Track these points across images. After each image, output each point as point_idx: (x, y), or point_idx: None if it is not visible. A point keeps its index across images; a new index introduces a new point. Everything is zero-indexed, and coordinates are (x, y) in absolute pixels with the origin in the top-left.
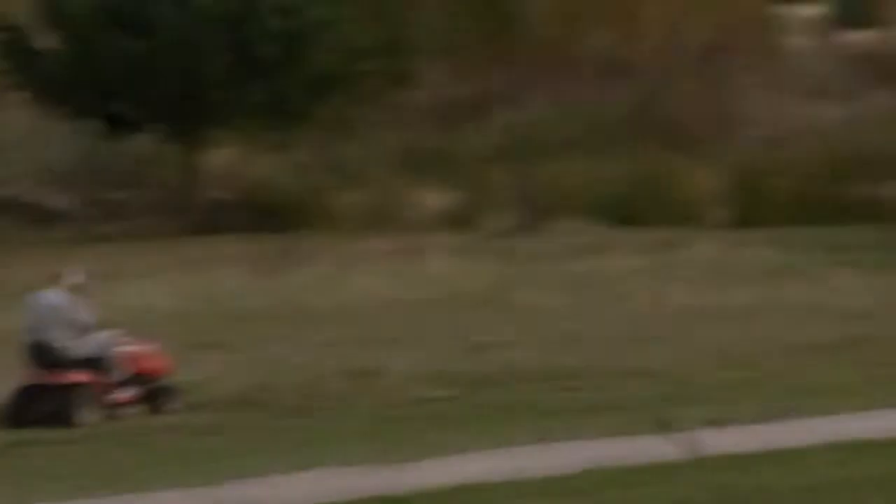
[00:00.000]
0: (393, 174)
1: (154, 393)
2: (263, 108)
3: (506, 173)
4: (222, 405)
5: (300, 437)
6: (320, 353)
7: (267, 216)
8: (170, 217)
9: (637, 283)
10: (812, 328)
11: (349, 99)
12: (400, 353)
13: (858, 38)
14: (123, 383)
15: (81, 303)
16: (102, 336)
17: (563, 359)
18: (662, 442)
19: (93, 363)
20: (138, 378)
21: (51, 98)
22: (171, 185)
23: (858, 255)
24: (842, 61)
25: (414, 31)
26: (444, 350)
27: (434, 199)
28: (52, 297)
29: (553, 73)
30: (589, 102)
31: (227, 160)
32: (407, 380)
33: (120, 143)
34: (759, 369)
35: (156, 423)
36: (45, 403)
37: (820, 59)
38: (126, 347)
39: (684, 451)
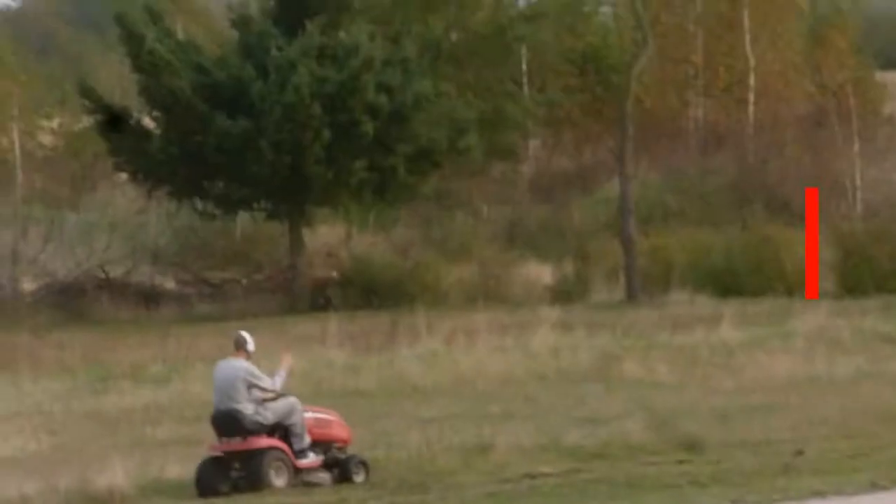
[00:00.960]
0: (498, 249)
1: (340, 462)
2: (367, 185)
3: (611, 245)
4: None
5: None
6: (430, 429)
7: (373, 294)
8: (275, 296)
9: (745, 355)
10: None
11: (453, 174)
12: (510, 428)
13: None
14: (308, 449)
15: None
16: (288, 402)
17: (675, 431)
18: None
19: (280, 429)
20: (321, 445)
21: (154, 177)
22: (275, 265)
23: None
24: None
25: (517, 104)
26: (555, 424)
27: (540, 272)
28: (235, 364)
29: (658, 144)
30: (693, 173)
31: (331, 238)
32: (518, 454)
33: (223, 222)
34: (867, 439)
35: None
36: (238, 470)
37: None
38: (309, 414)
39: None
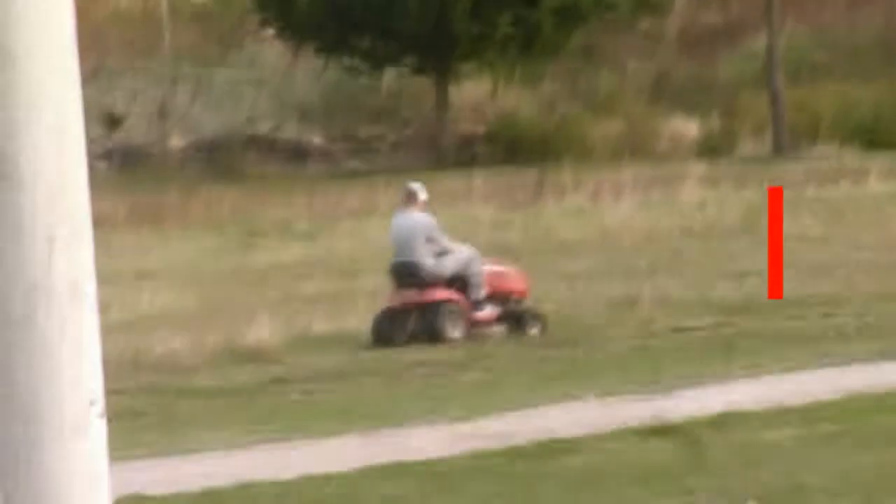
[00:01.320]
0: (644, 103)
1: (516, 315)
2: (512, 40)
3: (758, 99)
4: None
5: (562, 368)
6: (577, 284)
7: (518, 149)
8: (421, 152)
9: (893, 208)
10: None
11: (599, 28)
12: (656, 282)
13: None
14: (485, 302)
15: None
16: (465, 254)
17: (821, 285)
18: None
19: (457, 281)
20: (498, 298)
21: (300, 34)
22: (421, 120)
23: None
24: None
25: None
26: (701, 278)
27: (686, 127)
28: (415, 216)
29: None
30: (841, 27)
31: (477, 94)
32: (665, 308)
33: (369, 78)
34: None
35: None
36: (414, 322)
37: None
38: (487, 267)
39: None
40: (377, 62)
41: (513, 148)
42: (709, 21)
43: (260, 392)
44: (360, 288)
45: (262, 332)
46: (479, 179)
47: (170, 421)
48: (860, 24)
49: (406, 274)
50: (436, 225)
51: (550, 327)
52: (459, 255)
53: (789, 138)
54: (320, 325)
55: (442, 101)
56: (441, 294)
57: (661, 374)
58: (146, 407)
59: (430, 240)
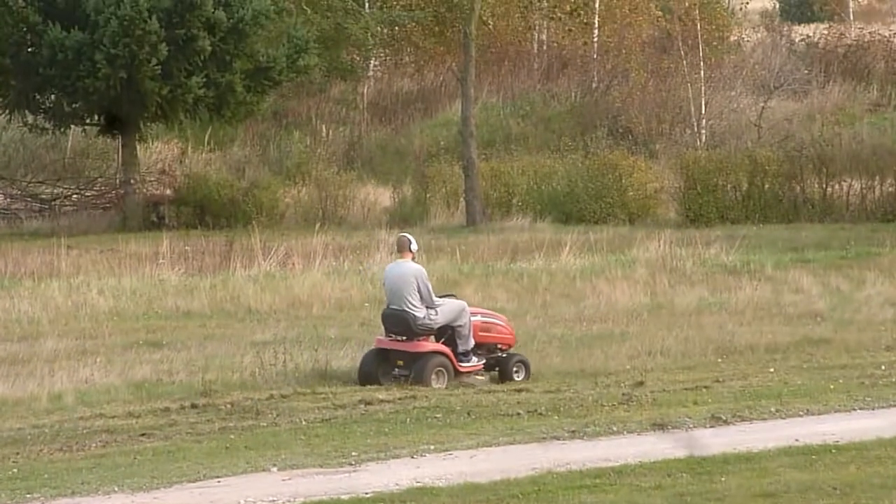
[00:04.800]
0: (336, 170)
1: (500, 362)
2: (203, 102)
3: (452, 168)
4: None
5: (245, 438)
6: (264, 352)
7: (207, 213)
8: (106, 213)
9: (585, 283)
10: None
11: (291, 92)
12: (346, 352)
13: (808, 31)
14: (472, 352)
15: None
16: (457, 305)
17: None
18: None
19: (446, 332)
20: (485, 346)
21: None
22: (107, 180)
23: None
24: (793, 55)
25: (357, 23)
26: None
27: (378, 194)
28: (408, 265)
29: (502, 67)
30: (536, 97)
31: (166, 155)
32: (353, 380)
33: (55, 136)
34: (708, 371)
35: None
36: (401, 367)
37: (771, 53)
38: (476, 318)
39: None
40: (62, 120)
41: (202, 212)
42: (403, 88)
43: None
44: (38, 353)
45: None
46: (166, 243)
47: None
48: (555, 94)
49: (397, 323)
50: (426, 276)
51: (234, 397)
52: (449, 306)
53: (483, 209)
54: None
55: (129, 162)
56: (429, 346)
57: (348, 447)
58: None
59: (420, 289)
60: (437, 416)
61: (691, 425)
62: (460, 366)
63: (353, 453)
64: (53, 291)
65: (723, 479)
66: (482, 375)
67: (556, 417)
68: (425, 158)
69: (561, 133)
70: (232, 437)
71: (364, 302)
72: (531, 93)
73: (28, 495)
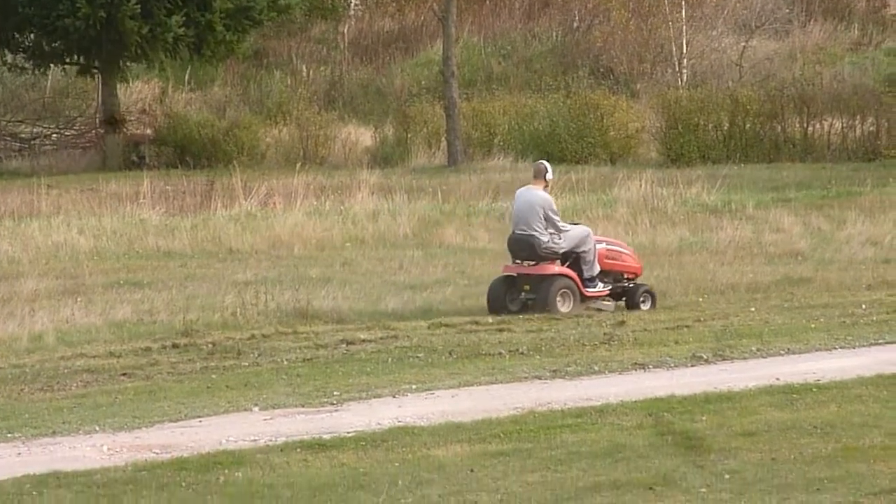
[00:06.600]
0: (317, 109)
1: (626, 291)
2: (183, 41)
3: (433, 109)
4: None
5: (227, 378)
6: (245, 292)
7: (187, 153)
8: (87, 152)
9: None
10: None
11: (272, 32)
12: (327, 293)
13: None
14: (597, 278)
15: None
16: (581, 231)
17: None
18: None
19: (572, 257)
20: (611, 275)
21: None
22: (87, 120)
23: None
24: None
25: None
26: (373, 289)
27: (360, 134)
28: (537, 193)
29: (483, 7)
30: (517, 37)
31: (146, 95)
32: (335, 319)
33: (34, 75)
34: (689, 310)
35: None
36: (528, 292)
37: None
38: (601, 245)
39: None
40: (41, 60)
41: (182, 152)
42: (384, 28)
43: None
44: (18, 292)
45: None
46: (147, 183)
47: None
48: (536, 35)
49: (523, 247)
50: (553, 205)
51: (216, 337)
52: (574, 232)
53: (464, 149)
54: None
55: (109, 102)
56: (554, 269)
57: (330, 387)
58: None
59: (547, 217)
60: (419, 355)
61: (672, 364)
62: (586, 291)
63: (335, 393)
64: (33, 231)
65: (703, 418)
66: (608, 301)
67: (538, 357)
68: (406, 98)
69: (542, 73)
70: (213, 376)
71: (346, 242)
72: (512, 32)
73: (9, 434)
